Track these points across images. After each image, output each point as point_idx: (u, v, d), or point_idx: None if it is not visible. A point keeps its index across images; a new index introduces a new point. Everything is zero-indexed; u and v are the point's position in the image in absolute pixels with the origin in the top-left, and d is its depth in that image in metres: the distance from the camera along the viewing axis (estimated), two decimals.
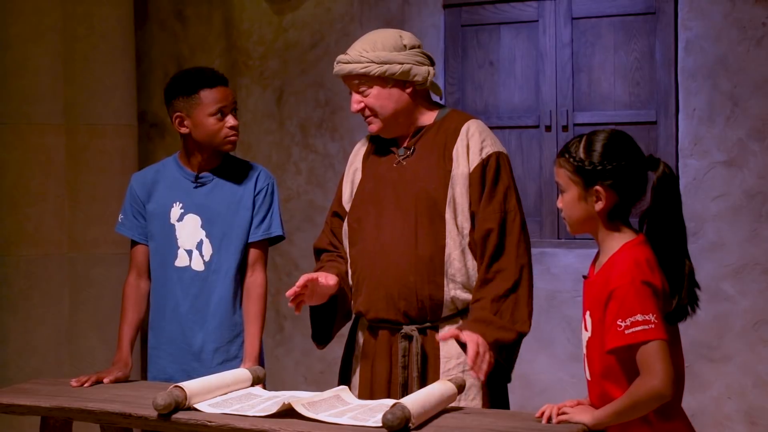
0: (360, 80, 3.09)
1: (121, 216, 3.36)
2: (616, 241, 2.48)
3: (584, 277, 2.58)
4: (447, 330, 2.95)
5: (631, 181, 2.46)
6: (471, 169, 3.03)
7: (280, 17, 5.47)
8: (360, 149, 3.27)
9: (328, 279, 3.01)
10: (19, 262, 4.91)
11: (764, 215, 4.62)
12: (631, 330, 2.34)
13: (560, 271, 4.91)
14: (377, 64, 3.06)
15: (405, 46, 3.10)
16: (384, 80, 3.08)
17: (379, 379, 3.04)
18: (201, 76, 3.24)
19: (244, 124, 5.53)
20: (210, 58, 5.54)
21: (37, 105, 4.90)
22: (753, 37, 4.60)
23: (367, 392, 3.04)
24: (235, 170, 3.32)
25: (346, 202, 3.21)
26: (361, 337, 3.13)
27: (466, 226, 3.03)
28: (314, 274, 3.01)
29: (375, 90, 3.09)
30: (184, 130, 3.25)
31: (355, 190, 3.19)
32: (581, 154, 2.47)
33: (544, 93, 4.97)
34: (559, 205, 2.56)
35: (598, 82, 4.91)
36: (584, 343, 2.53)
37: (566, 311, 4.88)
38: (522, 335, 2.96)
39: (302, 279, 2.96)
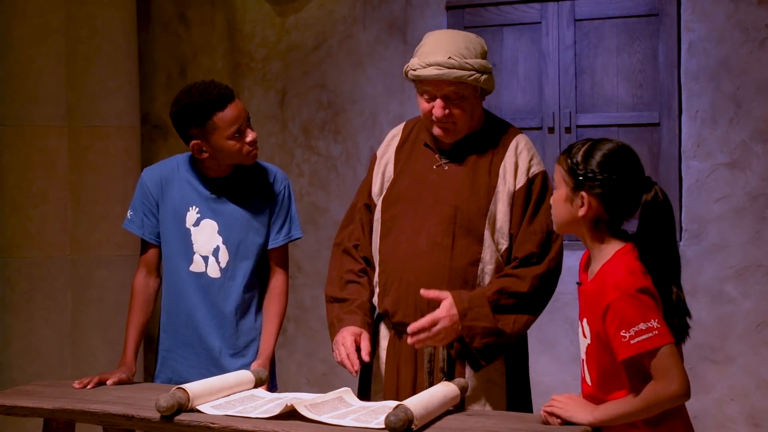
0: (458, 87, 2.92)
1: (130, 212, 3.26)
2: (606, 250, 2.47)
3: (578, 283, 2.58)
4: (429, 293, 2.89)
5: (619, 197, 2.44)
6: (516, 188, 2.99)
7: (283, 19, 5.47)
8: (393, 140, 3.16)
9: (367, 351, 2.92)
10: (22, 264, 4.92)
11: (767, 217, 4.61)
12: (636, 340, 2.34)
13: (563, 273, 4.89)
14: (479, 72, 2.92)
15: (485, 52, 2.99)
16: (476, 90, 2.96)
17: (404, 383, 3.00)
18: (209, 101, 3.06)
19: None
20: (212, 60, 5.54)
21: (39, 107, 4.91)
22: (756, 39, 4.60)
23: (394, 397, 2.97)
24: (252, 174, 3.25)
25: (376, 195, 3.12)
26: (384, 338, 3.08)
27: (502, 242, 2.99)
28: (364, 349, 2.90)
29: (468, 100, 2.95)
30: (204, 155, 3.14)
31: (386, 185, 3.10)
32: (578, 157, 2.47)
33: (547, 95, 4.97)
34: (551, 201, 2.57)
35: (601, 84, 4.90)
36: (583, 349, 2.53)
37: (569, 313, 4.87)
38: (500, 332, 2.91)
39: (364, 351, 2.89)
